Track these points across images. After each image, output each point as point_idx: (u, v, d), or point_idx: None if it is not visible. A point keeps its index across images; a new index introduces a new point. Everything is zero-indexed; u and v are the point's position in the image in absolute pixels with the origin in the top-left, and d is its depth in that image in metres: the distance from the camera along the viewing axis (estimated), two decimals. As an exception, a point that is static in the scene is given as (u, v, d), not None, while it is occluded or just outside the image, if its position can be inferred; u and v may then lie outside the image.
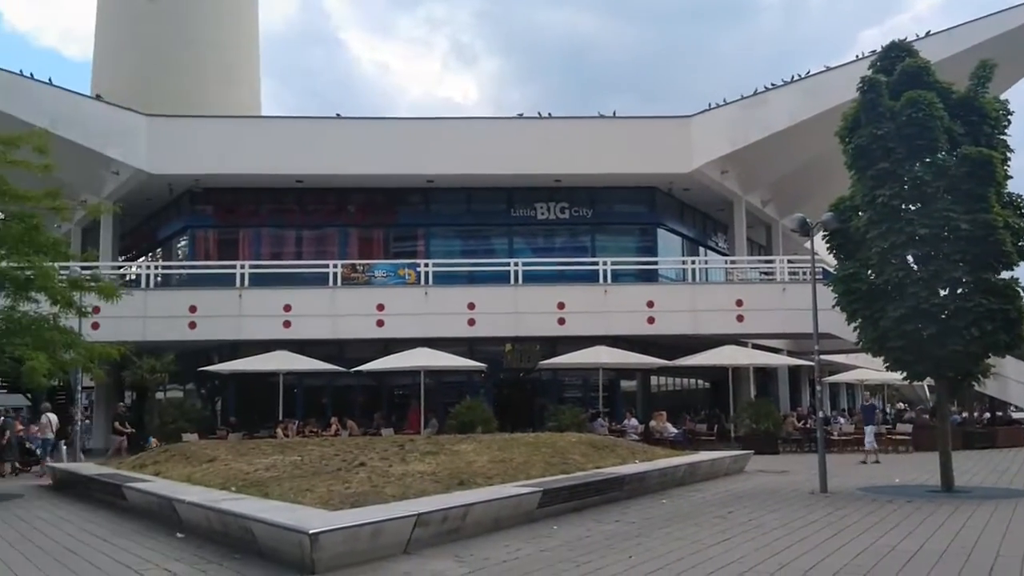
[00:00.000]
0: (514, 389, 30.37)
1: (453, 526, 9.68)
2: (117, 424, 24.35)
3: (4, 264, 16.70)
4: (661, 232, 31.71)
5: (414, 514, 9.17)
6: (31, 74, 28.63)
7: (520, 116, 30.82)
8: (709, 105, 29.35)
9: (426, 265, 28.45)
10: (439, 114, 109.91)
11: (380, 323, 26.72)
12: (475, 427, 22.69)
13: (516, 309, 27.11)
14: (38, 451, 22.10)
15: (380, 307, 26.85)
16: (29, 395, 33.95)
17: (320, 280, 27.86)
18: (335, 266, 28.04)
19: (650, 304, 27.21)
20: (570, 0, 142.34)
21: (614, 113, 30.80)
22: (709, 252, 35.56)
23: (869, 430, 21.99)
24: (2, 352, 16.32)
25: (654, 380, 31.96)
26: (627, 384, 30.56)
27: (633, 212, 31.81)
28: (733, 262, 31.74)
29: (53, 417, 21.96)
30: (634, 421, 25.47)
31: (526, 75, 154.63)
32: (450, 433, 20.73)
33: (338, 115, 30.29)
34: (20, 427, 22.81)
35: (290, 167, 28.83)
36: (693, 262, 31.41)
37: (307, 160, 28.78)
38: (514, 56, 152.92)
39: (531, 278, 28.25)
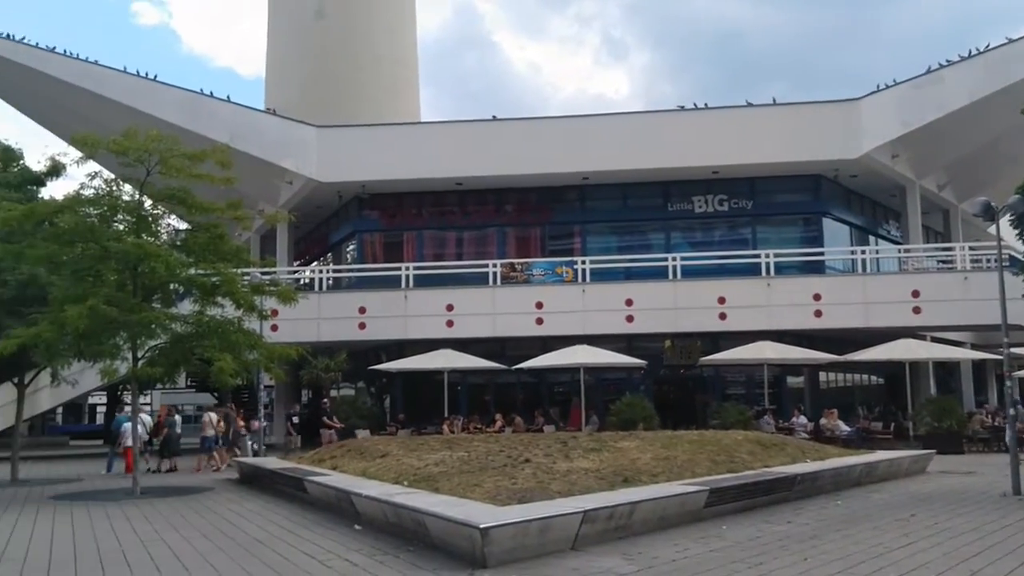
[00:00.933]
0: (675, 386, 29.98)
1: (620, 523, 9.69)
2: (325, 419, 25.37)
3: (192, 271, 17.93)
4: (827, 221, 30.38)
5: (581, 511, 9.24)
6: (210, 92, 30.70)
7: (680, 108, 30.29)
8: (878, 86, 27.87)
9: (583, 262, 28.52)
10: (591, 110, 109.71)
11: (539, 321, 27.03)
12: (636, 424, 22.56)
13: (675, 305, 26.75)
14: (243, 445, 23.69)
15: (539, 305, 27.17)
16: (216, 393, 36.51)
17: (480, 280, 28.46)
18: (495, 265, 28.59)
19: (817, 297, 26.18)
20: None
21: (773, 100, 29.81)
22: (880, 241, 33.79)
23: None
24: (192, 353, 17.58)
25: (823, 376, 30.69)
26: (794, 380, 29.52)
27: (796, 201, 30.64)
28: (907, 251, 29.99)
29: (213, 416, 23.50)
30: (803, 419, 24.56)
31: (678, 67, 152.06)
32: (611, 430, 20.68)
33: (494, 117, 30.81)
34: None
35: (450, 170, 29.61)
36: (863, 252, 29.89)
37: (466, 163, 29.48)
38: (665, 48, 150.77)
39: (690, 273, 27.78)
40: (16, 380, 21.23)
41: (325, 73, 41.73)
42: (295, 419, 27.16)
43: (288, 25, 44.19)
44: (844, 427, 23.96)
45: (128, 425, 22.36)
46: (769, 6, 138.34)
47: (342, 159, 29.92)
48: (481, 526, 8.30)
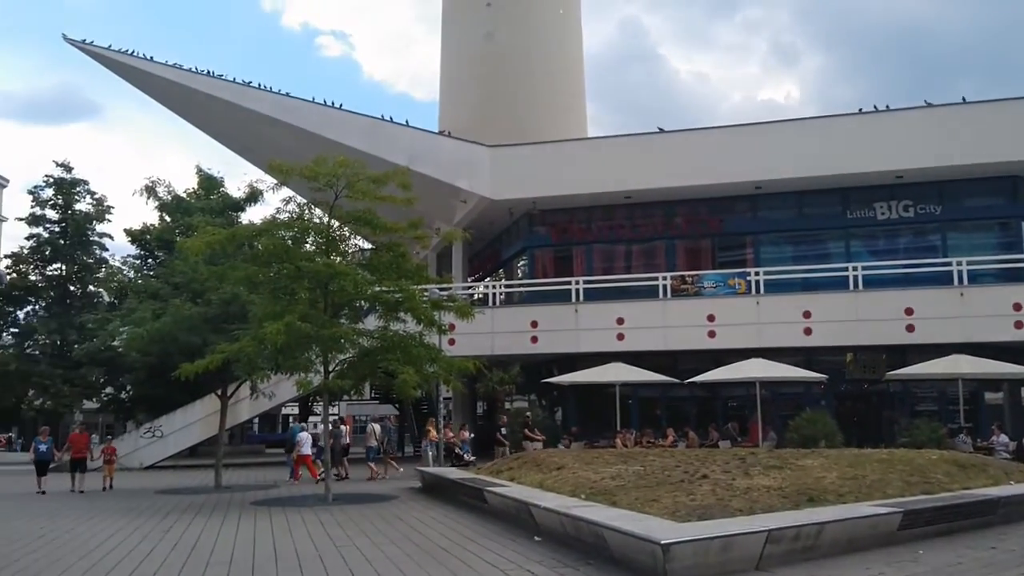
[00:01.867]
0: (858, 401, 28.65)
1: (806, 544, 9.41)
2: (527, 431, 25.81)
3: (377, 288, 18.84)
4: (1027, 225, 28.23)
5: (765, 530, 9.05)
6: (390, 118, 32.22)
7: (860, 111, 29.03)
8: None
9: (756, 274, 27.83)
10: (760, 118, 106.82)
11: (711, 334, 26.59)
12: (817, 441, 21.69)
13: (857, 316, 25.67)
14: (426, 453, 24.73)
15: (711, 318, 26.75)
16: (398, 404, 38.07)
17: (650, 292, 28.33)
18: (664, 278, 28.39)
19: (1017, 307, 24.42)
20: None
21: (963, 99, 28.04)
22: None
23: None
24: (377, 366, 18.46)
25: (1025, 392, 28.45)
26: (992, 396, 27.51)
27: (990, 205, 28.60)
28: (1123, 254, 27.36)
29: (376, 427, 24.45)
30: (1004, 437, 22.83)
31: (853, 69, 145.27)
32: (790, 447, 20.02)
33: (660, 129, 30.62)
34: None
35: (618, 184, 29.68)
36: (1071, 257, 27.51)
37: (634, 176, 29.46)
38: (838, 51, 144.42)
39: (872, 283, 26.57)
40: (219, 392, 22.98)
41: (495, 93, 42.78)
42: (502, 430, 27.71)
43: (459, 48, 45.65)
44: (1052, 447, 22.10)
45: (303, 435, 23.80)
46: (954, 2, 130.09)
47: (513, 177, 30.62)
48: (663, 542, 8.30)
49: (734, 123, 33.81)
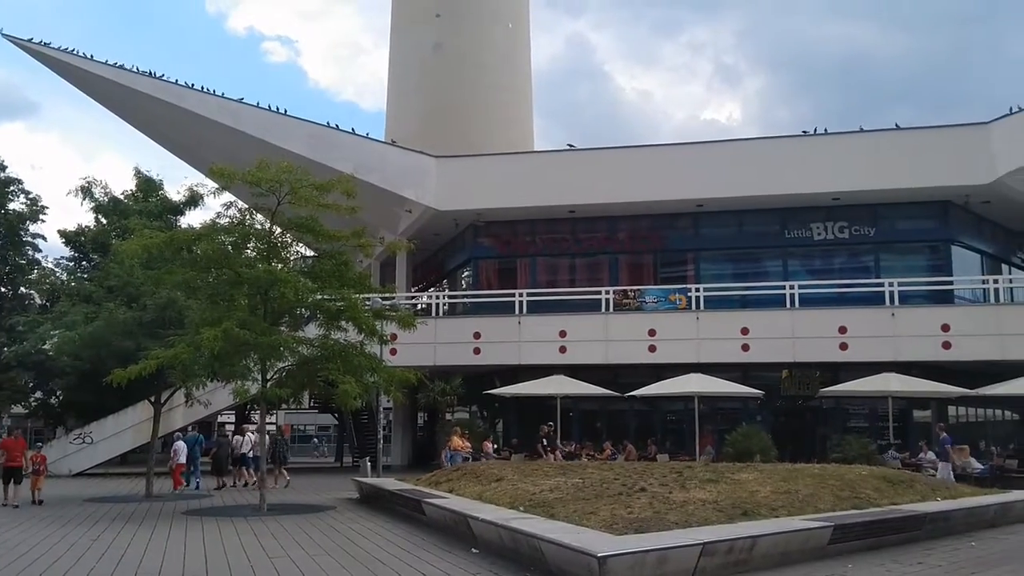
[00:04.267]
0: (793, 417, 29.19)
1: (739, 557, 9.55)
2: (542, 445, 25.26)
3: (319, 296, 18.63)
4: (956, 249, 29.08)
5: (700, 543, 9.16)
6: (336, 125, 31.93)
7: (802, 134, 29.69)
8: (1011, 109, 26.63)
9: (697, 290, 28.24)
10: (703, 136, 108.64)
11: (652, 348, 26.89)
12: (753, 455, 22.04)
13: (793, 334, 26.20)
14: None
15: (652, 332, 27.05)
16: (337, 414, 37.64)
17: (593, 306, 28.55)
18: (607, 292, 28.63)
19: (945, 328, 25.15)
20: (840, 10, 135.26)
21: (896, 125, 28.94)
22: (1014, 270, 32.15)
23: None
24: (317, 375, 18.25)
25: (952, 410, 29.26)
26: (920, 414, 28.26)
27: (922, 229, 29.47)
28: (1045, 279, 28.48)
29: (251, 437, 24.11)
30: (931, 454, 23.49)
31: (794, 92, 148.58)
32: (726, 461, 20.31)
33: (605, 147, 30.88)
34: None
35: (563, 198, 29.86)
36: (996, 281, 28.48)
37: (578, 191, 29.66)
38: (781, 73, 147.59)
39: (808, 301, 27.17)
40: (153, 399, 22.47)
41: (443, 104, 42.79)
42: (544, 442, 27.28)
43: (408, 58, 45.57)
44: (977, 464, 22.79)
45: (179, 444, 23.39)
46: (891, 28, 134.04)
47: (459, 188, 30.59)
48: (599, 555, 8.35)
49: (677, 141, 34.30)
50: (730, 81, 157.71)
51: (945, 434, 21.86)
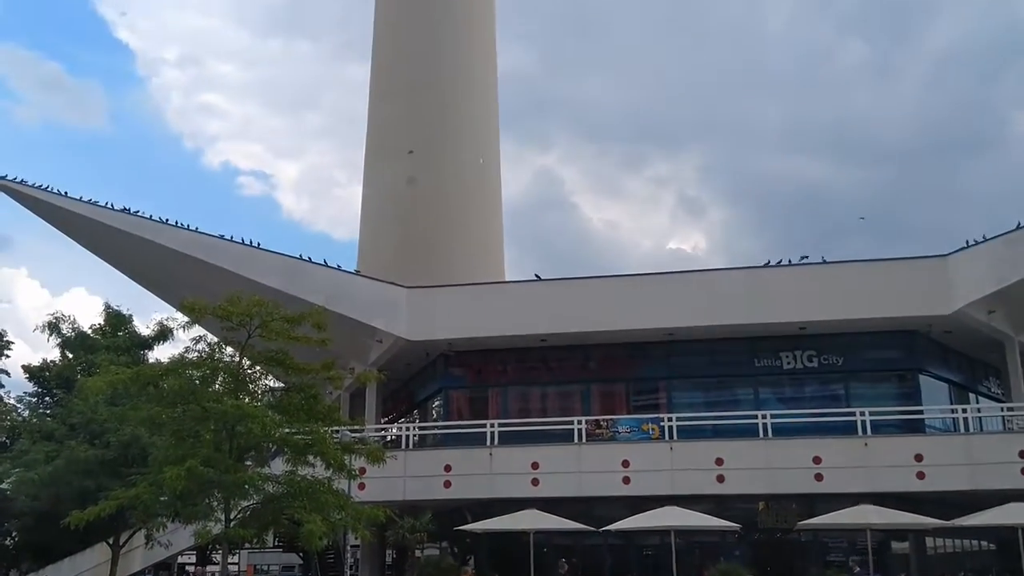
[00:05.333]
0: (772, 550, 28.57)
1: None
2: None
3: (287, 430, 18.37)
4: (924, 378, 29.36)
5: None
6: (308, 257, 32.21)
7: (767, 264, 30.39)
8: (967, 243, 27.52)
9: (670, 419, 28.13)
10: (670, 266, 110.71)
11: (626, 480, 26.53)
12: (733, 593, 21.54)
13: (768, 464, 26.08)
14: None
15: (625, 463, 26.75)
16: (302, 554, 36.39)
17: (566, 437, 28.26)
18: (580, 422, 28.42)
19: (918, 457, 25.15)
20: (796, 147, 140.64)
21: (854, 257, 29.78)
22: (981, 399, 32.46)
23: None
24: (282, 514, 17.79)
25: (929, 541, 28.90)
26: (898, 545, 27.92)
27: (889, 358, 29.83)
28: (1011, 409, 28.74)
29: None
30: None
31: (756, 223, 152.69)
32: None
33: (571, 277, 31.36)
34: None
35: (534, 327, 29.98)
36: (964, 410, 28.68)
37: (550, 320, 29.83)
38: (742, 206, 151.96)
39: (782, 431, 27.13)
40: (111, 541, 21.67)
41: (415, 235, 43.49)
42: None
43: (381, 191, 46.59)
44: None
45: None
46: (845, 163, 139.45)
47: (430, 318, 30.66)
48: None
49: (645, 271, 34.91)
50: (694, 212, 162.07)
51: (859, 568, 21.61)
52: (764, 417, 27.20)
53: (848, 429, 26.69)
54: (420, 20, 48.51)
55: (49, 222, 32.84)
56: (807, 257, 29.54)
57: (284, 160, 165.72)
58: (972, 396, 32.05)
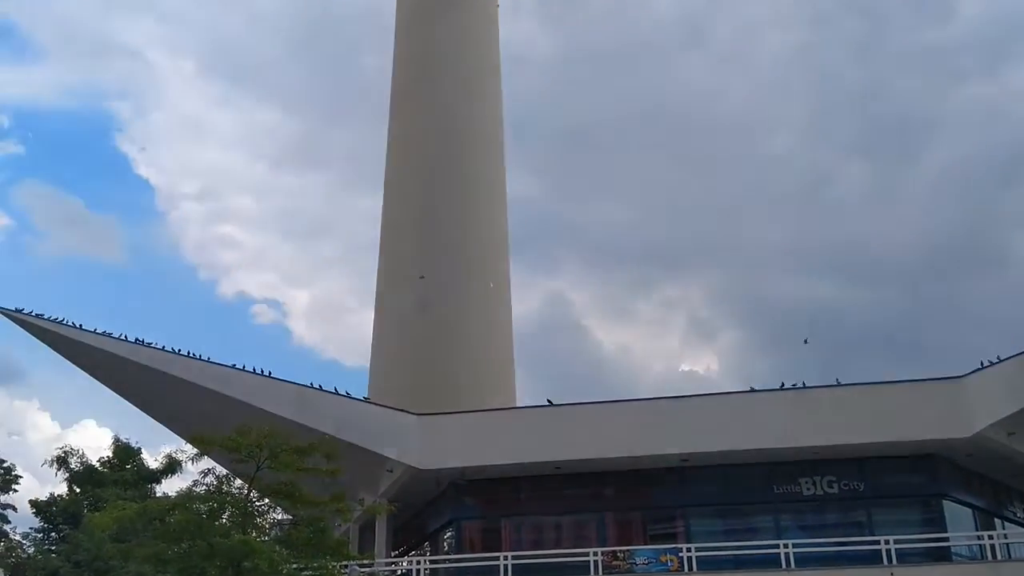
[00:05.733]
0: None
1: None
2: None
3: (294, 566, 17.91)
4: (947, 503, 28.60)
5: None
6: (319, 385, 32.12)
7: (781, 386, 30.14)
8: (982, 363, 27.33)
9: (688, 550, 27.30)
10: (682, 388, 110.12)
11: (647, 615, 25.56)
12: None
13: (793, 596, 25.12)
14: None
15: (645, 597, 25.84)
16: None
17: (582, 569, 27.38)
18: (596, 554, 27.59)
19: (948, 588, 24.24)
20: (802, 268, 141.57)
21: (868, 378, 29.55)
22: (1007, 524, 31.50)
23: None
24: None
25: None
26: None
27: (911, 483, 29.15)
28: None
29: None
30: None
31: (768, 345, 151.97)
32: None
33: (586, 402, 31.12)
34: None
35: (548, 454, 29.55)
36: (991, 536, 27.79)
37: (563, 446, 29.42)
38: (753, 327, 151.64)
39: (805, 561, 26.26)
40: None
41: (426, 361, 43.45)
42: None
43: (392, 317, 46.86)
44: None
45: None
46: (854, 284, 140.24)
47: (441, 446, 30.26)
48: None
49: (658, 395, 34.62)
50: (705, 335, 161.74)
51: None
52: (786, 546, 26.39)
53: (873, 558, 25.86)
54: (430, 149, 49.89)
55: (62, 354, 33.02)
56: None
57: (297, 288, 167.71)
58: (998, 521, 31.11)
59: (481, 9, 52.96)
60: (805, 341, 28.07)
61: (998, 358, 27.22)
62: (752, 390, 30.80)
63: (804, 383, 29.73)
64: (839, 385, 29.12)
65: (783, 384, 30.21)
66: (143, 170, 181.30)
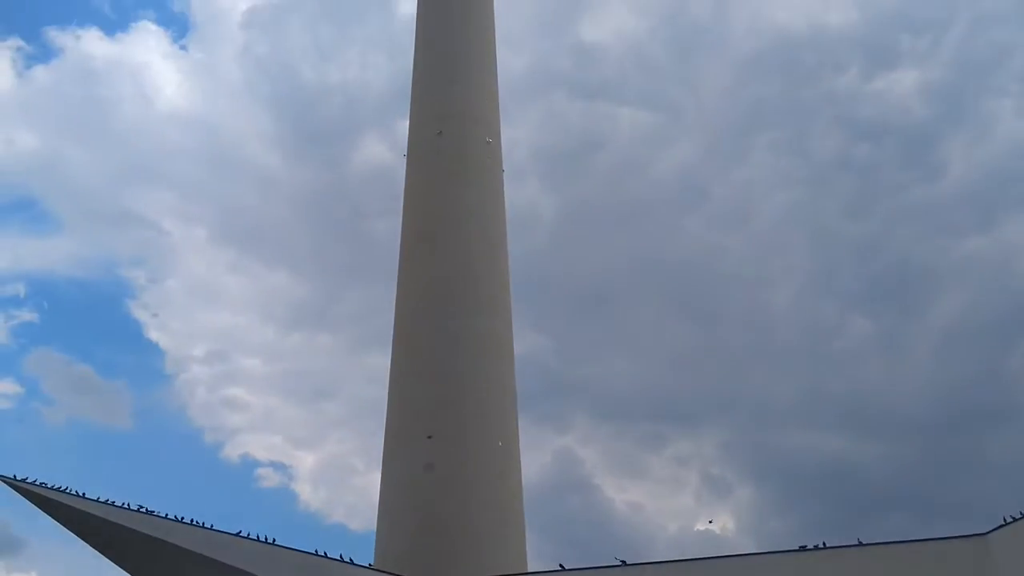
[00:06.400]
0: None
1: None
2: None
3: None
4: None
5: None
6: (324, 552, 31.36)
7: (803, 548, 29.20)
8: (1004, 519, 26.65)
9: None
10: (698, 549, 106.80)
11: None
12: None
13: None
14: None
15: None
16: None
17: None
18: None
19: None
20: (812, 421, 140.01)
21: (888, 536, 28.74)
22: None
23: None
24: None
25: None
26: None
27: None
28: None
29: None
30: None
31: (784, 501, 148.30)
32: None
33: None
34: None
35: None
36: None
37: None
38: (767, 483, 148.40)
39: None
40: None
41: (434, 522, 42.38)
42: None
43: (399, 478, 46.03)
44: None
45: None
46: (867, 438, 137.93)
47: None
48: None
49: (675, 559, 33.53)
50: (719, 492, 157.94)
51: None
52: None
53: None
54: (436, 309, 50.52)
55: (64, 525, 32.35)
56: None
57: (303, 450, 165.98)
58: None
59: (488, 173, 54.94)
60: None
61: (1021, 513, 26.56)
62: (770, 551, 29.86)
63: (824, 543, 28.85)
64: (861, 545, 28.24)
65: (804, 546, 29.31)
66: (153, 334, 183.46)
